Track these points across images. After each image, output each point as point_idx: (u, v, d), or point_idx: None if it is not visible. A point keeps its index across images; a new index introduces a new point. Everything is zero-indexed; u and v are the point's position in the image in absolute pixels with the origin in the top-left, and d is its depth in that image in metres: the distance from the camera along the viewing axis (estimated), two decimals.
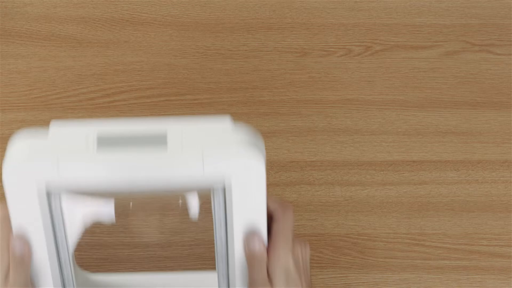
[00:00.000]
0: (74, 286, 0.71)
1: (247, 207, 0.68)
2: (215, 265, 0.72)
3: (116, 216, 0.72)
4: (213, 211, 0.69)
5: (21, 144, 0.64)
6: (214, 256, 0.72)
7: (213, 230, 0.70)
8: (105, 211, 0.72)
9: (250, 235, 0.71)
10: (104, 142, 0.64)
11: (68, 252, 0.70)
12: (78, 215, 0.71)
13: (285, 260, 0.74)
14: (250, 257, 0.73)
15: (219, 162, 0.64)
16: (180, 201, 0.72)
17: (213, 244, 0.71)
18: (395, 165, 0.93)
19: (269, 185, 0.86)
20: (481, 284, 0.90)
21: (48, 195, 0.66)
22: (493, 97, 0.95)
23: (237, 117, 0.94)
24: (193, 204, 0.73)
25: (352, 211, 0.92)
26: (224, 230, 0.70)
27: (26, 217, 0.67)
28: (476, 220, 0.92)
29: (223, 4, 0.97)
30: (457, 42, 0.96)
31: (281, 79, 0.95)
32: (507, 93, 0.95)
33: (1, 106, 0.94)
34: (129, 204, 0.72)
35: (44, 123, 0.93)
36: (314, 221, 0.92)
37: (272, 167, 0.91)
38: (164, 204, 0.74)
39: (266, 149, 0.88)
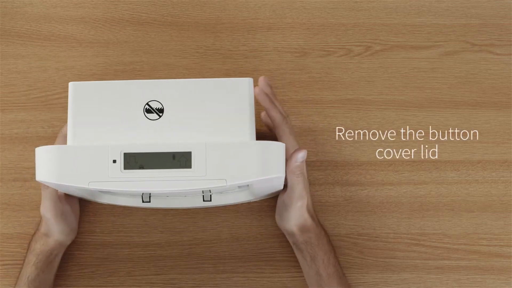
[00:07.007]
0: None
1: None
2: None
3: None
4: None
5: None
6: None
7: None
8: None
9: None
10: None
11: None
12: None
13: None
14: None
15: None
16: None
17: None
18: (395, 165, 0.93)
19: None
20: (481, 284, 0.90)
21: None
22: (493, 97, 0.95)
23: None
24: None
25: (352, 211, 0.92)
26: None
27: None
28: (476, 220, 0.92)
29: (223, 4, 0.97)
30: (457, 42, 0.96)
31: (281, 79, 0.95)
32: (507, 93, 0.95)
33: (1, 106, 0.94)
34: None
35: (44, 123, 0.93)
36: None
37: None
38: None
39: None
